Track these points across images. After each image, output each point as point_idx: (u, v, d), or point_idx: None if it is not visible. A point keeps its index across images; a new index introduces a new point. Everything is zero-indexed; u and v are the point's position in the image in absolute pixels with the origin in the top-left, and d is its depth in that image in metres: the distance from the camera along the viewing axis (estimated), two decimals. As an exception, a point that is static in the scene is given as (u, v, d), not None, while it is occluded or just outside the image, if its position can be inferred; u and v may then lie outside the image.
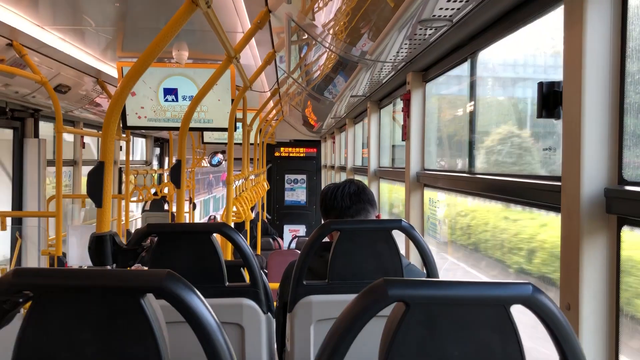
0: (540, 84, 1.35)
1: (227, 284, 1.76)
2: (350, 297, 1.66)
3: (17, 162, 5.00)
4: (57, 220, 3.62)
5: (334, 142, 8.08)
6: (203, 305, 0.82)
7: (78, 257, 4.56)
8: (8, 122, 4.89)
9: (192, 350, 1.27)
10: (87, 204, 5.62)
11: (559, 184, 1.31)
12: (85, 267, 5.09)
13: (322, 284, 1.72)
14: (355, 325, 0.80)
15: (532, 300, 0.78)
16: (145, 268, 1.87)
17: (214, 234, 1.75)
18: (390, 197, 4.77)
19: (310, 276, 1.77)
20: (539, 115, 1.35)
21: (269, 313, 1.85)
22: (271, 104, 6.33)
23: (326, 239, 1.79)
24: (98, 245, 1.62)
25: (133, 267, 1.76)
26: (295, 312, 1.72)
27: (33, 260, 4.96)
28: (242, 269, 2.49)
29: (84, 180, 6.23)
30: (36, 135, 5.14)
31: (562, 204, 1.27)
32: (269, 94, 5.90)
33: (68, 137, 6.16)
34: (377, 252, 1.70)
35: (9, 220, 4.13)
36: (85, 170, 6.57)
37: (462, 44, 2.17)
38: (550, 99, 1.32)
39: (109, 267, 1.65)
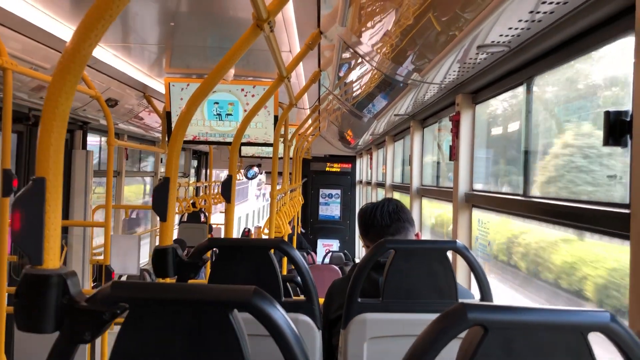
0: (607, 113, 1.36)
1: (283, 299, 1.80)
2: (405, 316, 1.70)
3: (66, 172, 5.16)
4: (106, 229, 3.73)
5: (371, 159, 8.10)
6: (286, 320, 0.86)
7: (120, 265, 4.68)
8: (59, 134, 5.04)
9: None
10: (130, 214, 5.75)
11: (628, 211, 1.32)
12: (126, 276, 5.16)
13: (376, 302, 1.74)
14: (434, 348, 0.82)
15: (610, 328, 0.79)
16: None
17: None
18: (431, 213, 4.76)
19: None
20: (605, 143, 1.36)
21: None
22: (310, 120, 6.40)
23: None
24: (161, 257, 1.67)
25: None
26: (349, 329, 1.74)
27: (78, 268, 5.09)
28: (287, 283, 2.52)
29: (126, 190, 6.39)
30: (84, 146, 5.30)
31: (632, 232, 1.28)
32: (308, 110, 5.97)
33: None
34: (432, 271, 1.72)
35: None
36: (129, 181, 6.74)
37: (518, 69, 2.18)
38: (617, 128, 1.33)
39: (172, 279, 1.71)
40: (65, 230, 5.09)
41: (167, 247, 1.69)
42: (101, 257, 3.89)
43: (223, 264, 1.79)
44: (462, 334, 0.85)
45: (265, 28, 1.74)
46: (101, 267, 4.30)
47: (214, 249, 1.85)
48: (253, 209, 22.51)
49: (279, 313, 0.86)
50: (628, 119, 1.33)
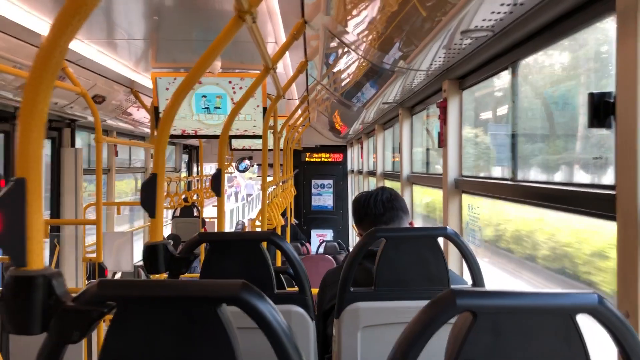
0: (591, 95, 1.37)
1: (275, 291, 1.80)
2: (398, 304, 1.71)
3: (55, 171, 5.13)
4: (97, 227, 3.71)
5: (361, 148, 8.10)
6: (275, 313, 0.86)
7: (113, 262, 4.67)
8: (46, 133, 5.01)
9: (254, 357, 1.31)
10: (121, 211, 5.72)
11: (613, 192, 1.32)
12: (120, 273, 5.14)
13: (369, 291, 1.75)
14: (424, 334, 0.82)
15: (598, 309, 0.79)
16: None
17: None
18: (421, 200, 4.77)
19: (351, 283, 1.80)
20: (590, 125, 1.37)
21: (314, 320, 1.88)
22: (299, 110, 6.38)
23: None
24: (152, 253, 1.66)
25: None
26: (342, 319, 1.75)
27: (71, 266, 5.08)
28: (280, 275, 2.52)
29: (123, 186, 6.35)
30: (73, 144, 5.27)
31: (618, 213, 1.28)
32: (297, 101, 5.96)
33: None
34: (423, 259, 1.72)
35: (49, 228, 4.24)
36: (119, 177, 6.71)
37: (502, 53, 2.18)
38: (601, 109, 1.33)
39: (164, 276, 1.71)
40: (57, 229, 5.06)
41: (158, 243, 1.68)
42: (94, 255, 3.87)
43: (214, 258, 1.78)
44: (453, 320, 0.86)
45: (247, 19, 1.72)
46: (94, 265, 4.29)
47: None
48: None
49: (267, 307, 0.86)
50: (612, 100, 1.33)
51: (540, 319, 0.82)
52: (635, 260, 1.20)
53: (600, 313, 0.79)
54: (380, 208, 2.00)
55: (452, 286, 1.72)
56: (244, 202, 24.28)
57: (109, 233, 5.10)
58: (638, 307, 1.17)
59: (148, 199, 1.66)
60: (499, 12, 1.62)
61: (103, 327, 3.54)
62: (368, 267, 1.88)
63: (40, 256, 0.86)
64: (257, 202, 21.07)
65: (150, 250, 1.66)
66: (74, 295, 0.86)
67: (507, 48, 2.10)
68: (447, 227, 1.75)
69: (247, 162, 10.26)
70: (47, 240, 4.82)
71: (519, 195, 2.11)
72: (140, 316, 0.85)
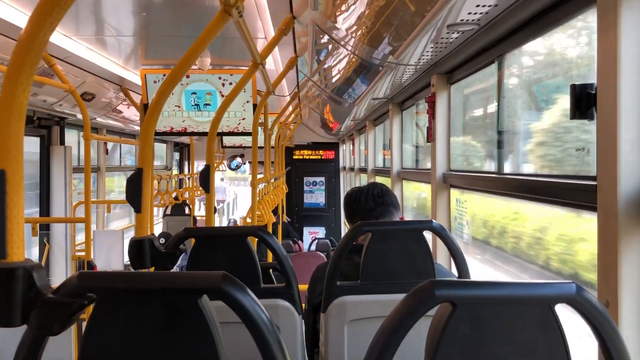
0: (573, 86, 1.38)
1: (262, 285, 1.80)
2: (384, 297, 1.71)
3: (44, 169, 5.11)
4: (86, 225, 3.70)
5: (353, 144, 8.10)
6: (257, 305, 0.86)
7: (104, 260, 4.65)
8: (35, 131, 5.00)
9: (235, 351, 1.31)
10: (111, 209, 5.71)
11: (594, 183, 1.34)
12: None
13: (355, 285, 1.75)
14: (404, 325, 0.83)
15: (576, 299, 0.80)
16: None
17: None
18: (411, 195, 4.78)
19: (339, 278, 1.81)
20: (572, 117, 1.38)
21: (301, 314, 1.89)
22: (290, 107, 6.38)
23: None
24: (137, 248, 1.66)
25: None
26: (329, 313, 1.75)
27: (61, 265, 5.06)
28: (270, 270, 2.53)
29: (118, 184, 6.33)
30: (62, 142, 5.24)
31: (599, 204, 1.30)
32: (288, 97, 5.95)
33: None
34: (409, 252, 1.73)
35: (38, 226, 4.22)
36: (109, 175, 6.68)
37: (489, 47, 2.19)
38: (583, 101, 1.34)
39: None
40: (46, 228, 5.04)
41: (143, 238, 1.68)
42: (83, 254, 3.86)
43: (200, 253, 1.78)
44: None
45: (233, 13, 1.72)
46: (84, 263, 4.28)
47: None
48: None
49: (248, 298, 0.86)
50: (593, 92, 1.34)
51: (519, 309, 0.82)
52: (615, 250, 1.21)
53: (578, 303, 0.80)
54: (370, 203, 2.01)
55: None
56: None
57: (99, 231, 5.09)
58: (618, 296, 1.18)
59: (134, 194, 1.66)
60: (484, 5, 1.62)
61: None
62: (357, 261, 1.89)
63: (20, 248, 0.85)
64: (236, 208, 20.70)
65: (135, 245, 1.65)
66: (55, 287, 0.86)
67: (493, 42, 2.11)
68: (433, 220, 1.76)
69: (239, 159, 10.25)
70: (37, 238, 4.80)
71: (504, 188, 2.13)
72: (120, 308, 0.85)
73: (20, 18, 2.94)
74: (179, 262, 1.87)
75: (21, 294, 0.84)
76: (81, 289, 0.85)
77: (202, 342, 0.85)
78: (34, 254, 5.14)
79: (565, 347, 0.82)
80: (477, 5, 1.62)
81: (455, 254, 1.75)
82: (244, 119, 4.62)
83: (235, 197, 22.21)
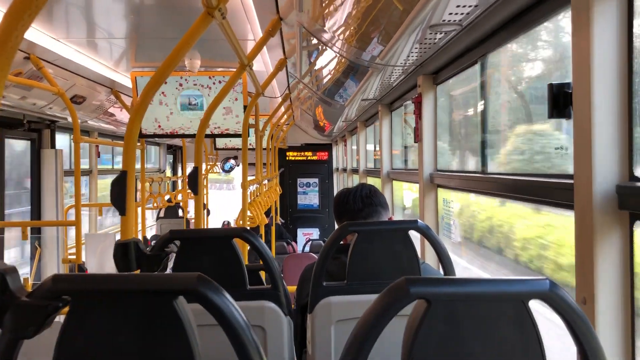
0: (551, 85, 1.39)
1: (248, 287, 1.80)
2: (370, 297, 1.70)
3: (35, 172, 5.09)
4: (77, 228, 3.69)
5: (345, 146, 8.11)
6: (233, 307, 0.86)
7: (95, 263, 4.64)
8: (26, 134, 4.98)
9: (215, 353, 1.31)
10: (102, 212, 5.69)
11: (572, 182, 1.35)
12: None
13: (341, 285, 1.75)
14: (379, 323, 0.83)
15: (550, 295, 0.81)
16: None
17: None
18: (401, 195, 4.79)
19: (327, 278, 1.81)
20: (550, 116, 1.39)
21: (288, 316, 1.89)
22: (282, 109, 6.38)
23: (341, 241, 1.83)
24: (123, 252, 1.66)
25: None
26: (315, 313, 1.75)
27: (52, 269, 5.04)
28: (259, 272, 2.53)
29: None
30: (53, 146, 5.23)
31: (575, 202, 1.30)
32: (280, 99, 5.95)
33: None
34: (395, 252, 1.73)
35: (28, 230, 4.21)
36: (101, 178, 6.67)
37: (472, 47, 2.20)
38: (561, 100, 1.35)
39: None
40: (37, 231, 5.03)
41: (129, 240, 1.68)
42: (74, 257, 3.85)
43: (185, 255, 1.77)
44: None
45: (216, 15, 1.72)
46: (75, 267, 4.26)
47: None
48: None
49: (224, 299, 0.86)
50: (570, 91, 1.35)
51: (493, 306, 0.83)
52: (591, 247, 1.22)
53: (551, 299, 0.81)
54: (359, 204, 2.02)
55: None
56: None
57: (90, 235, 5.07)
58: (595, 293, 1.19)
59: (118, 196, 1.66)
60: (464, 6, 1.63)
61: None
62: (344, 261, 1.89)
63: (-8, 252, 0.85)
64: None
65: (121, 249, 1.65)
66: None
67: (475, 42, 2.13)
68: (418, 220, 1.76)
69: (232, 161, 10.24)
70: (27, 242, 4.79)
71: (488, 188, 2.14)
72: (95, 310, 0.85)
73: None
74: (171, 265, 1.87)
75: None
76: (56, 292, 0.85)
77: (178, 344, 0.85)
78: (25, 255, 5.14)
79: (540, 343, 0.83)
80: (458, 6, 1.63)
81: (441, 253, 1.76)
82: (232, 119, 4.61)
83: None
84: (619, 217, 1.22)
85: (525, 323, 0.83)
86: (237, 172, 11.38)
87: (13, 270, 0.87)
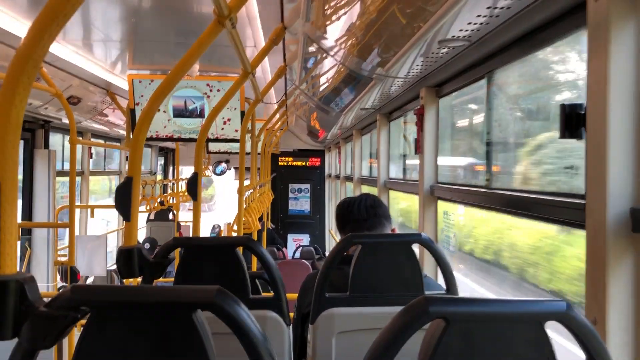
0: (563, 106, 1.40)
1: (250, 296, 1.80)
2: (372, 310, 1.72)
3: (28, 173, 5.04)
4: (70, 230, 3.65)
5: (339, 153, 8.12)
6: (250, 319, 0.86)
7: (85, 266, 4.59)
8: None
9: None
10: (94, 214, 5.64)
11: (583, 202, 1.36)
12: (93, 277, 5.07)
13: (344, 297, 1.76)
14: (397, 341, 0.84)
15: (567, 316, 0.82)
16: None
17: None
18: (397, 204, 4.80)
19: (329, 289, 1.81)
20: (562, 136, 1.40)
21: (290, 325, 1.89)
22: (277, 114, 6.37)
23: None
24: (126, 258, 1.64)
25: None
26: (317, 325, 1.75)
27: (42, 270, 4.99)
28: (256, 280, 2.52)
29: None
30: (46, 146, 5.19)
31: (587, 222, 1.32)
32: (275, 105, 5.95)
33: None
34: (398, 265, 1.74)
35: (19, 231, 4.16)
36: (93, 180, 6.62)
37: (478, 63, 2.22)
38: (573, 121, 1.37)
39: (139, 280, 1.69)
40: (28, 232, 4.97)
41: (132, 247, 1.67)
42: (66, 259, 3.81)
43: (189, 263, 1.77)
44: (426, 326, 0.87)
45: (227, 24, 1.72)
46: (66, 269, 4.22)
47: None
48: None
49: (242, 313, 0.86)
50: (582, 112, 1.37)
51: (510, 326, 0.84)
52: (603, 268, 1.23)
53: (568, 320, 0.81)
54: (363, 214, 2.02)
55: (426, 292, 1.74)
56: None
57: (82, 236, 5.02)
58: (606, 314, 1.20)
59: (123, 202, 1.64)
60: (475, 23, 1.65)
61: (75, 332, 3.49)
62: (347, 272, 1.89)
63: (13, 260, 0.85)
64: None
65: (124, 255, 1.64)
66: (46, 300, 0.85)
67: (483, 58, 2.14)
68: (422, 233, 1.77)
69: (223, 165, 10.22)
70: (18, 242, 4.73)
71: (492, 203, 2.15)
72: (114, 322, 0.84)
73: (14, 24, 2.92)
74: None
75: (13, 307, 0.83)
76: (74, 302, 0.84)
77: (196, 357, 0.85)
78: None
79: None
80: (469, 23, 1.64)
81: (444, 267, 1.77)
82: (226, 124, 4.60)
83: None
84: (632, 240, 1.23)
85: (542, 344, 0.84)
86: (219, 183, 11.29)
87: (31, 279, 0.86)
